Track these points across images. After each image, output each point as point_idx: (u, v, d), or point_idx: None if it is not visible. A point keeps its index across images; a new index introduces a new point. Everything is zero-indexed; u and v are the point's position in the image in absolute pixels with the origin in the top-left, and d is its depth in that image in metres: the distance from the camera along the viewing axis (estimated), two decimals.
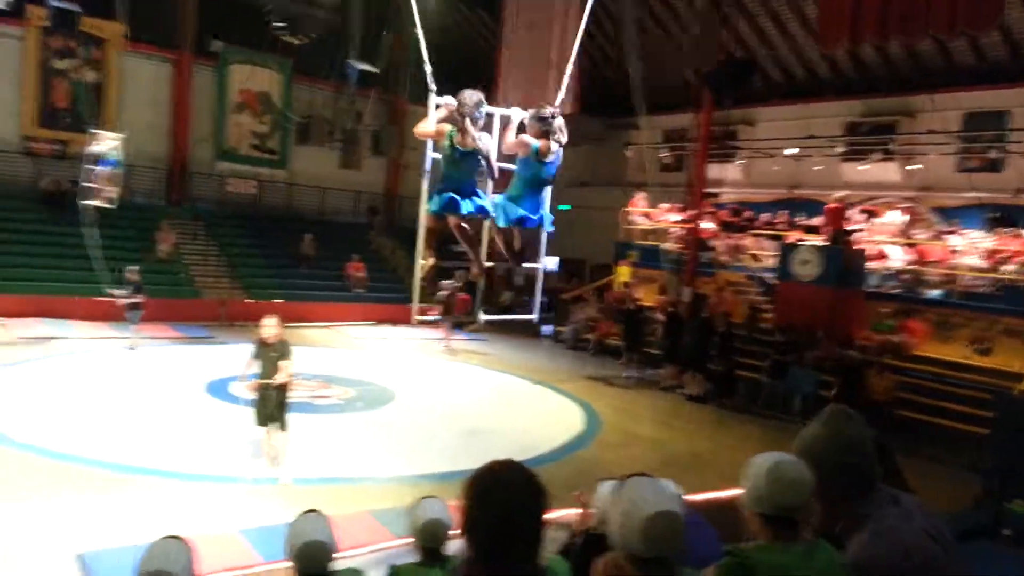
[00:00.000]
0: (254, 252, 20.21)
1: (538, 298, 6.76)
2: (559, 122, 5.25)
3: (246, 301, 17.66)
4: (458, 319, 16.80)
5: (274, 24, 18.72)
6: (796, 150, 19.07)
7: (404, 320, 18.68)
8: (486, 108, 5.18)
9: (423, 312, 7.49)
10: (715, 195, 19.84)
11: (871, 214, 16.56)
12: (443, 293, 16.25)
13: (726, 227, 18.42)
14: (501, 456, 2.06)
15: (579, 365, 16.30)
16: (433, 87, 5.20)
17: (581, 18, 5.94)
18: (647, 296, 17.45)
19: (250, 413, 7.93)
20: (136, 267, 14.19)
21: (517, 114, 5.36)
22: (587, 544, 2.85)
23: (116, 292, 13.77)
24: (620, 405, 12.98)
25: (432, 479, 8.16)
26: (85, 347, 13.66)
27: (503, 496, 1.90)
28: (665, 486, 3.34)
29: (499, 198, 5.34)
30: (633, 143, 22.68)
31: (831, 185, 17.06)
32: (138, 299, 13.82)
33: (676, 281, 17.44)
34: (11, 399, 10.08)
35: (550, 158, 5.24)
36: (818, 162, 18.73)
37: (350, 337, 17.54)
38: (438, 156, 5.22)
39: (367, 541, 5.98)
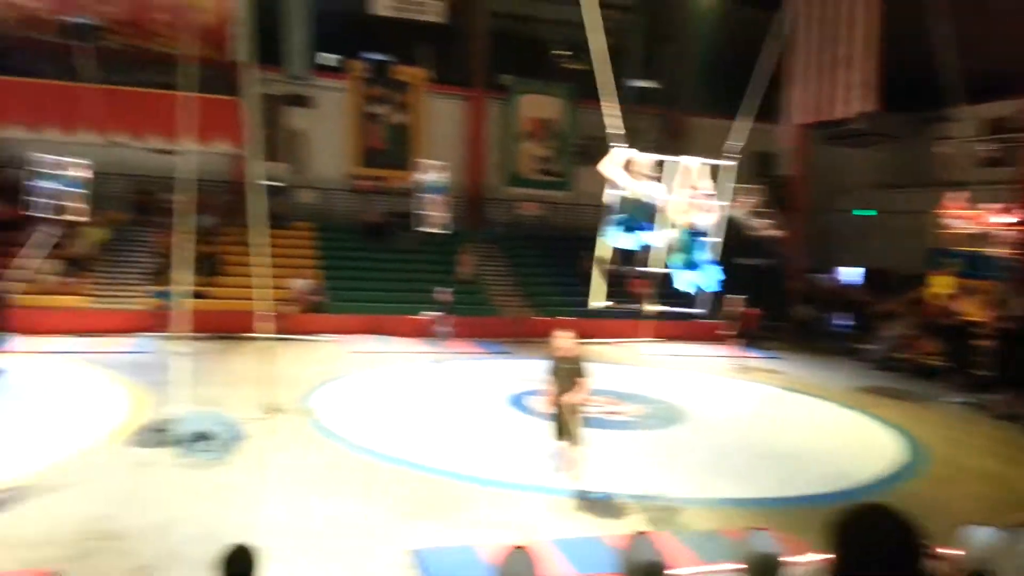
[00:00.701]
0: (543, 271, 21.15)
1: (707, 294, 7.50)
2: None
3: (537, 318, 18.50)
4: (751, 335, 16.10)
5: (557, 53, 19.56)
6: None
7: (694, 337, 18.46)
8: (647, 158, 6.72)
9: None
10: None
11: None
12: (732, 309, 15.69)
13: None
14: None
15: (891, 386, 14.74)
16: (617, 132, 6.67)
17: (876, 6, 5.85)
18: (973, 310, 15.33)
19: (548, 427, 8.21)
20: (446, 289, 15.47)
21: (688, 161, 6.49)
22: None
23: (430, 313, 15.13)
24: (946, 434, 11.50)
25: (730, 504, 7.86)
26: (403, 361, 15.19)
27: (880, 543, 1.74)
28: None
29: (678, 260, 6.72)
30: (946, 137, 20.21)
31: None
32: (447, 318, 15.08)
33: (1010, 292, 15.12)
34: (348, 407, 11.49)
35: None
36: None
37: (638, 354, 17.60)
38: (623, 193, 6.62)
39: (675, 563, 5.86)
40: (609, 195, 6.54)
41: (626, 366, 15.90)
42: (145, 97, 17.73)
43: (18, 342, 12.53)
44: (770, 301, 18.48)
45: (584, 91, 22.41)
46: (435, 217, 16.22)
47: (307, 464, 8.60)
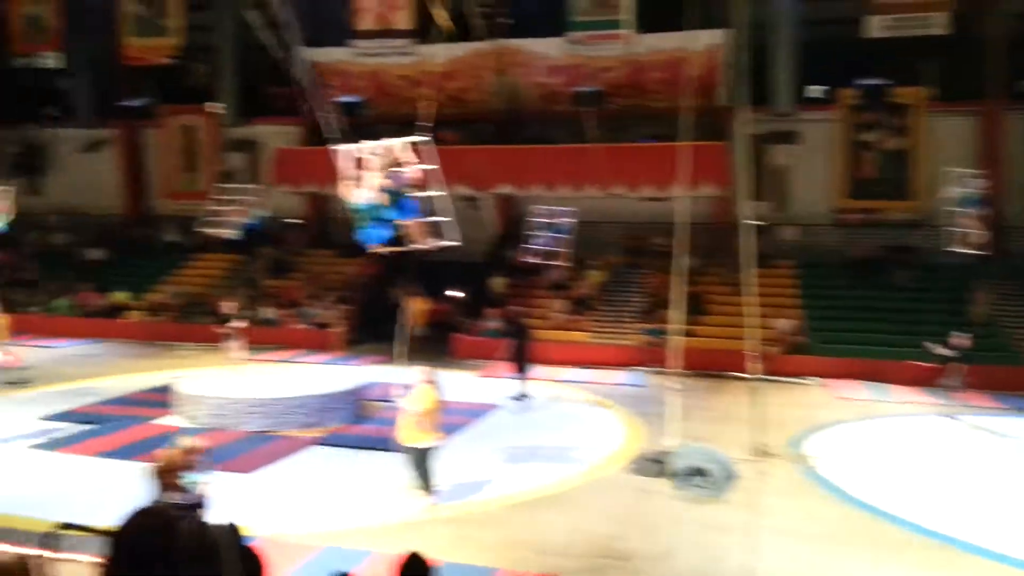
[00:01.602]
0: None
1: None
2: None
3: None
4: None
5: None
6: None
7: None
8: None
9: None
10: None
11: None
12: None
13: None
14: None
15: None
16: None
17: None
18: None
19: None
20: (964, 333, 13.37)
21: None
22: None
23: (936, 349, 13.22)
24: None
25: None
26: (905, 412, 13.57)
27: None
28: None
29: None
30: None
31: None
32: (959, 366, 13.05)
33: None
34: (845, 458, 10.62)
35: None
36: None
37: None
38: None
39: None
40: None
41: None
42: (639, 151, 19.31)
43: (536, 371, 14.46)
44: None
45: None
46: (972, 235, 13.96)
47: (804, 514, 8.15)
